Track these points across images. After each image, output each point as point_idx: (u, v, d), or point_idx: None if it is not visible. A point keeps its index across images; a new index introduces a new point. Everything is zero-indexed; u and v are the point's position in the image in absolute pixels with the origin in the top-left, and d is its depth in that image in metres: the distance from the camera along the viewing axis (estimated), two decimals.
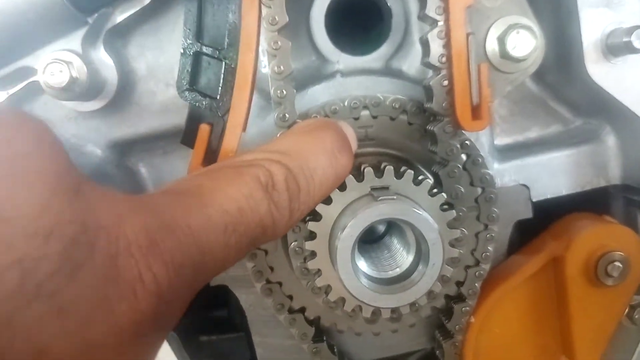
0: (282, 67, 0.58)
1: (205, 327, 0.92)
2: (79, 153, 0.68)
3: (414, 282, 0.56)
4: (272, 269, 0.67)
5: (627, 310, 0.76)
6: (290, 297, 0.68)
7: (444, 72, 0.60)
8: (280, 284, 0.68)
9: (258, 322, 0.73)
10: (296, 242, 0.63)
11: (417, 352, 0.79)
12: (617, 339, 0.77)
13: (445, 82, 0.60)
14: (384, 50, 0.72)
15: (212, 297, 0.97)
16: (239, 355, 0.91)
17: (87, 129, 0.69)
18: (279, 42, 0.57)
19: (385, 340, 0.73)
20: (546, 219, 0.78)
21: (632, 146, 0.73)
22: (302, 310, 0.68)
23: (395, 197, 0.56)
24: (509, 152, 0.76)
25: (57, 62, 0.57)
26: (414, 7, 0.71)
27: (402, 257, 0.60)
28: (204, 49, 0.57)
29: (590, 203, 0.78)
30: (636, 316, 0.76)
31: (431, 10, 0.59)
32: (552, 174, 0.75)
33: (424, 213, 0.56)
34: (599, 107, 0.72)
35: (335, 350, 0.71)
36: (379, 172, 0.59)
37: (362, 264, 0.59)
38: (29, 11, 0.56)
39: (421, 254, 0.57)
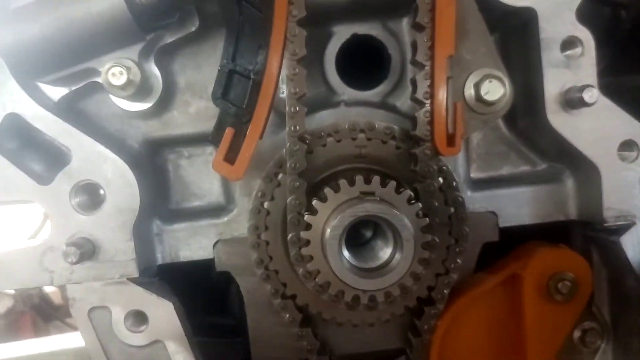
0: (297, 89, 0.73)
1: (202, 330, 1.02)
2: (120, 145, 0.82)
3: (389, 269, 0.68)
4: (271, 258, 0.79)
5: (580, 334, 0.88)
6: (285, 285, 0.79)
7: (427, 106, 0.74)
8: (277, 272, 0.79)
9: (254, 307, 0.84)
10: (294, 234, 0.75)
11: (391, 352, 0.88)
12: None
13: (428, 114, 0.74)
14: (382, 88, 0.86)
15: (210, 301, 1.08)
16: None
17: (129, 126, 0.83)
18: (296, 70, 0.72)
19: (364, 335, 0.83)
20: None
21: (587, 189, 0.85)
22: (294, 297, 0.80)
23: (378, 199, 0.69)
24: (482, 184, 0.89)
25: (119, 65, 0.72)
26: (409, 55, 0.86)
27: (382, 251, 0.72)
28: (237, 68, 0.71)
29: (554, 235, 0.90)
30: (587, 339, 0.87)
31: (420, 57, 0.74)
32: (518, 206, 0.88)
33: (400, 214, 0.68)
34: (561, 153, 0.85)
35: (319, 337, 0.81)
36: (367, 181, 0.71)
37: (349, 256, 0.71)
38: (100, 23, 0.71)
39: (397, 248, 0.69)
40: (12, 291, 3.08)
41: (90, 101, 0.82)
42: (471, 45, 0.78)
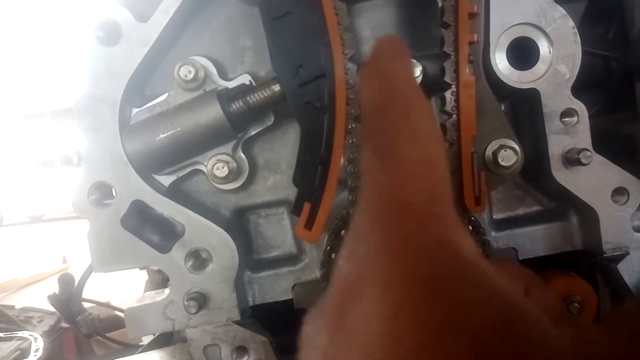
0: (355, 169, 0.94)
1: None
2: (216, 215, 1.04)
3: None
4: None
5: None
6: None
7: (456, 175, 0.95)
8: None
9: None
10: None
11: None
12: None
13: (457, 181, 0.95)
14: None
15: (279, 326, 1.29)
16: None
17: (222, 199, 1.05)
18: (354, 154, 0.93)
19: None
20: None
21: (588, 226, 1.05)
22: None
23: None
24: (502, 224, 1.10)
25: (220, 162, 0.94)
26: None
27: None
28: (308, 158, 0.93)
29: (565, 261, 1.10)
30: None
31: (449, 137, 0.94)
32: (533, 241, 1.08)
33: None
34: (565, 197, 1.05)
35: None
36: None
37: None
38: (206, 131, 0.93)
39: None
40: (53, 309, 3.34)
41: (190, 182, 1.04)
42: (488, 121, 0.99)
